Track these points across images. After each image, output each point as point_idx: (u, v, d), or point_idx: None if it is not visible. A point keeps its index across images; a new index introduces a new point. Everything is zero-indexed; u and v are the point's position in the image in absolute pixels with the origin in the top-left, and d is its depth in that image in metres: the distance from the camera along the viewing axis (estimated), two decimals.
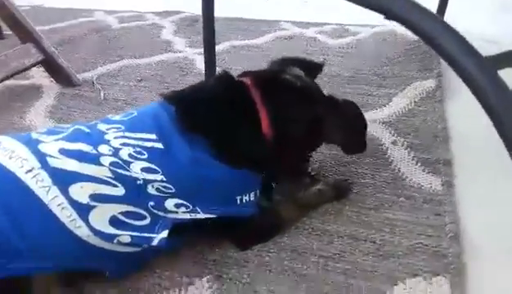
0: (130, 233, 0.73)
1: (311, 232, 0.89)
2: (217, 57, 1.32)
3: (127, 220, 0.73)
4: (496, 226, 0.89)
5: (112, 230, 0.71)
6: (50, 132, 0.77)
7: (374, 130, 1.21)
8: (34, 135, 0.75)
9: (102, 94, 1.45)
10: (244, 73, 0.91)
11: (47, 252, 0.68)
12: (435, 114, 1.26)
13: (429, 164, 1.06)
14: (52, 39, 1.73)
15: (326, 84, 1.41)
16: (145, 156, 0.75)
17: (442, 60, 1.50)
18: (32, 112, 1.37)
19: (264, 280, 0.79)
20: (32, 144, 0.72)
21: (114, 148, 0.74)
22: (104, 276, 0.77)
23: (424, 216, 0.91)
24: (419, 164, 1.07)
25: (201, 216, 0.78)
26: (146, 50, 1.78)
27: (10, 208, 0.66)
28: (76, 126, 0.78)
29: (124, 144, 0.75)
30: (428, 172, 1.04)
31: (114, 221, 0.72)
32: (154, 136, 0.77)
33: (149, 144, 0.76)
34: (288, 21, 2.02)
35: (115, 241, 0.72)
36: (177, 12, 2.18)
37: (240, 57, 1.68)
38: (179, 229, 0.77)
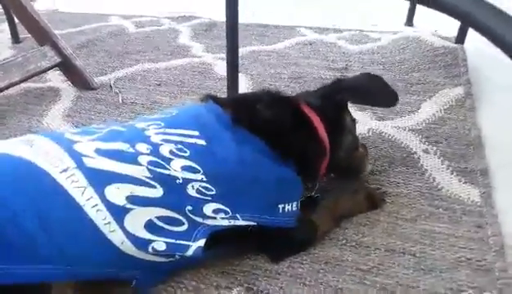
0: (166, 239, 0.68)
1: (345, 243, 0.84)
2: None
3: (164, 225, 0.68)
4: None
5: (147, 236, 0.67)
6: (84, 132, 0.73)
7: (404, 137, 1.16)
8: (68, 135, 0.72)
9: (120, 97, 1.42)
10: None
11: (77, 258, 0.64)
12: (467, 122, 1.21)
13: (466, 174, 1.01)
14: (69, 43, 1.70)
15: None
16: (187, 153, 0.70)
17: (469, 68, 1.47)
18: (49, 115, 1.34)
19: (298, 293, 0.75)
20: (66, 144, 0.69)
21: (153, 144, 0.70)
22: (129, 285, 0.73)
23: (464, 229, 0.86)
24: (454, 174, 1.02)
25: (240, 222, 0.73)
26: (164, 54, 1.75)
27: (42, 211, 0.62)
28: (111, 127, 0.75)
29: (165, 141, 0.71)
30: (465, 182, 0.99)
31: (150, 226, 0.67)
32: (196, 133, 0.73)
33: (191, 141, 0.72)
34: (307, 27, 1.99)
35: (150, 248, 0.67)
36: (194, 17, 2.16)
37: (258, 62, 1.65)
38: (216, 238, 0.73)
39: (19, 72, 1.35)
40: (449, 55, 1.53)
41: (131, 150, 0.68)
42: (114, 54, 1.77)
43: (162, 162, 0.68)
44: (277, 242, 0.81)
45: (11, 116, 1.34)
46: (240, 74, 1.53)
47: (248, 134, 0.74)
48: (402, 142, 1.14)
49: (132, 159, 0.68)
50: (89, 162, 0.66)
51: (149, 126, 0.73)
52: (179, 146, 0.70)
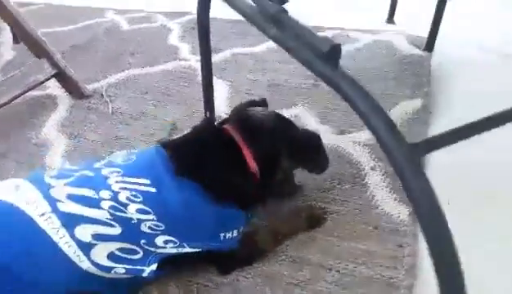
0: (125, 266, 0.86)
1: (284, 259, 1.01)
2: (217, 66, 1.45)
3: (122, 254, 0.86)
4: None
5: (110, 263, 0.85)
6: (60, 176, 0.90)
7: (357, 153, 1.30)
8: (47, 179, 0.89)
9: (110, 108, 1.57)
10: (223, 121, 1.04)
11: (58, 280, 0.83)
12: (419, 137, 1.33)
13: (401, 192, 1.15)
14: (65, 42, 1.86)
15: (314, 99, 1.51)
16: (140, 199, 0.87)
17: (434, 77, 1.58)
18: (46, 126, 1.51)
19: None
20: (44, 189, 0.86)
21: (113, 192, 0.87)
22: None
23: (387, 247, 1.01)
24: (392, 192, 1.16)
25: (187, 249, 0.91)
26: (154, 56, 1.88)
27: (30, 249, 0.80)
28: (82, 172, 0.91)
29: (122, 189, 0.87)
30: (400, 201, 1.13)
31: (111, 256, 0.85)
32: (148, 181, 0.89)
33: (144, 189, 0.88)
34: None
35: (112, 272, 0.86)
36: (185, 13, 2.25)
37: (238, 66, 1.77)
38: (168, 260, 0.91)
39: (18, 85, 1.52)
40: (415, 65, 1.63)
41: (95, 196, 0.86)
42: (108, 56, 1.91)
43: (120, 207, 0.85)
44: (223, 259, 0.98)
45: (12, 128, 1.51)
46: (220, 81, 1.67)
47: (188, 182, 0.90)
48: (355, 158, 1.28)
49: (96, 204, 0.85)
50: (62, 207, 0.83)
51: (111, 173, 0.90)
52: (133, 193, 0.87)
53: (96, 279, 0.86)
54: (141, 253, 0.87)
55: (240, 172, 0.96)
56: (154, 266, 0.88)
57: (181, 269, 0.98)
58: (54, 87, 1.71)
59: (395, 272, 0.96)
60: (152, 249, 0.88)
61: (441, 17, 1.64)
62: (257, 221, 1.07)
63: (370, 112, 0.58)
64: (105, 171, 0.91)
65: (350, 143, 1.34)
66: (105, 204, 0.85)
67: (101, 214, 0.84)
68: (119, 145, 1.38)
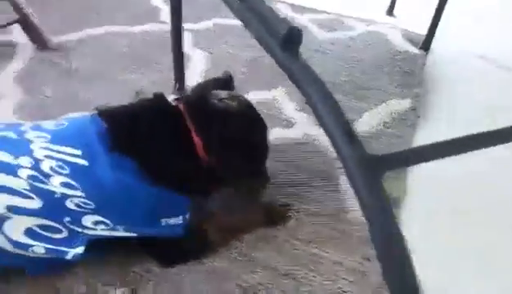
0: (45, 245, 0.74)
1: (236, 257, 0.90)
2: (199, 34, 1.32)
3: (42, 232, 0.74)
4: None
5: (27, 240, 0.73)
6: None
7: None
8: None
9: (74, 65, 1.42)
10: (177, 99, 0.90)
11: None
12: (403, 140, 1.23)
13: None
14: None
15: None
16: (67, 171, 0.75)
17: (425, 79, 1.47)
18: (1, 76, 1.36)
19: None
20: None
21: (36, 159, 0.74)
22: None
23: (353, 259, 0.91)
24: None
25: (121, 234, 0.79)
26: (133, 15, 1.72)
27: None
28: (5, 133, 0.78)
29: (48, 157, 0.75)
30: None
31: (29, 232, 0.73)
32: (79, 152, 0.77)
33: (72, 160, 0.76)
34: (283, 2, 1.93)
35: (30, 250, 0.74)
36: None
37: (220, 39, 1.63)
38: (99, 243, 0.79)
39: None
40: (408, 63, 1.52)
41: (14, 162, 0.73)
42: (83, 9, 1.75)
43: (41, 177, 0.73)
44: (166, 248, 0.87)
45: None
46: (199, 51, 1.54)
47: (124, 159, 0.78)
48: (333, 154, 1.17)
49: (12, 171, 0.72)
50: None
51: (37, 137, 0.77)
52: (60, 163, 0.75)
53: (14, 255, 0.74)
54: (66, 232, 0.76)
55: (185, 154, 0.84)
56: (80, 249, 0.76)
57: (117, 253, 0.86)
58: (18, 35, 1.55)
59: (359, 289, 0.86)
60: (79, 229, 0.76)
61: (440, 16, 1.53)
62: (212, 211, 0.95)
63: (327, 114, 0.47)
64: (29, 135, 0.78)
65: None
66: (24, 173, 0.73)
67: (18, 183, 0.72)
68: (76, 106, 1.24)
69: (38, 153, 0.75)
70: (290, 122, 1.27)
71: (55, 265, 0.82)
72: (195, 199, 0.86)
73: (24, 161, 0.73)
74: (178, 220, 0.83)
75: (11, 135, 0.77)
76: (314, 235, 0.96)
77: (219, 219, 0.93)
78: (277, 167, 1.10)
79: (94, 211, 0.76)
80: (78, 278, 0.83)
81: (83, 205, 0.75)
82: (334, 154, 1.13)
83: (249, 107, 0.91)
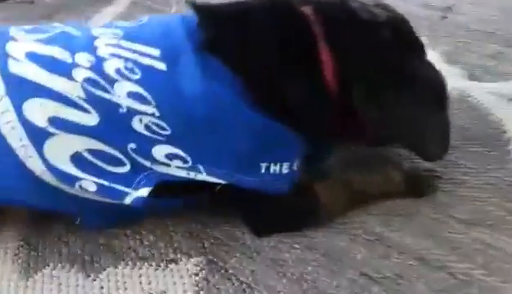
0: (97, 180, 0.53)
1: (359, 234, 0.61)
2: None
3: (96, 161, 0.53)
4: None
5: (73, 171, 0.53)
6: (34, 30, 0.59)
7: (498, 109, 0.85)
8: (12, 32, 0.58)
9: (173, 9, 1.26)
10: (304, 2, 0.61)
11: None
12: None
13: None
14: None
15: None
16: (138, 76, 0.53)
17: None
18: (95, 19, 1.23)
19: (268, 286, 0.56)
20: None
21: (98, 57, 0.54)
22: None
23: None
24: None
25: (203, 177, 0.55)
26: None
27: None
28: (65, 29, 0.59)
29: (114, 55, 0.54)
30: None
31: (77, 159, 0.53)
32: (157, 52, 0.54)
33: (147, 62, 0.54)
34: None
35: (77, 186, 0.53)
36: None
37: None
38: (172, 189, 0.57)
39: None
40: None
41: (68, 60, 0.53)
42: None
43: (103, 82, 0.52)
44: (263, 212, 0.61)
45: None
46: None
47: (221, 66, 0.54)
48: (494, 114, 0.84)
49: (65, 71, 0.52)
50: (14, 67, 0.52)
51: (104, 33, 0.56)
52: (130, 65, 0.53)
53: (57, 194, 0.55)
54: (128, 166, 0.54)
55: (307, 76, 0.57)
56: (143, 191, 0.54)
57: (194, 211, 0.63)
58: None
59: None
60: (146, 163, 0.54)
61: None
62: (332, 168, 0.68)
63: None
64: (96, 32, 0.58)
65: (486, 93, 0.89)
66: (80, 74, 0.52)
67: (71, 87, 0.52)
68: None
69: (103, 51, 0.54)
70: None
71: (113, 218, 0.61)
72: (311, 144, 0.60)
73: (83, 59, 0.53)
74: (284, 168, 0.57)
75: (73, 31, 0.58)
76: (477, 215, 0.64)
77: (341, 180, 0.66)
78: None
79: (169, 140, 0.53)
80: (141, 237, 0.62)
81: (154, 128, 0.53)
82: (498, 115, 0.83)
83: (404, 22, 0.63)
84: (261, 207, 0.61)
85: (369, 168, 0.68)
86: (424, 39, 0.99)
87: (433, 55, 0.99)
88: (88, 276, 0.57)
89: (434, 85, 0.62)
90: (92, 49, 0.54)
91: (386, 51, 0.59)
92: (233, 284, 0.56)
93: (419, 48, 0.64)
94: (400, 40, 0.61)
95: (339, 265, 0.58)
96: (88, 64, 0.53)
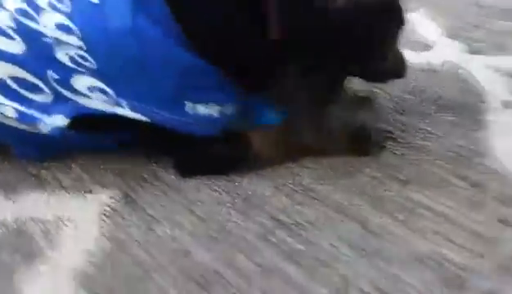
0: (17, 106, 0.56)
1: (286, 185, 0.58)
2: None
3: (18, 88, 0.55)
4: None
5: None
6: None
7: (487, 81, 0.78)
8: None
9: None
10: None
11: None
12: None
13: None
14: None
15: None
16: (69, 9, 0.55)
17: None
18: None
19: (174, 221, 0.55)
20: None
21: None
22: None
23: (476, 218, 0.52)
24: None
25: (126, 112, 0.55)
26: None
27: None
28: None
29: None
30: None
31: (1, 86, 0.55)
32: None
33: None
34: None
35: None
36: None
37: None
38: (97, 124, 0.58)
39: None
40: None
41: None
42: None
43: (32, 13, 0.54)
44: (190, 154, 0.61)
45: None
46: None
47: (159, 5, 0.52)
48: (482, 87, 0.76)
49: None
50: None
51: None
52: None
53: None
54: (49, 95, 0.56)
55: (248, 26, 0.54)
56: (60, 120, 0.55)
57: (124, 151, 0.64)
58: None
59: (471, 260, 0.47)
60: (67, 94, 0.55)
61: None
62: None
63: None
64: None
65: (482, 67, 0.82)
66: (13, 5, 0.55)
67: (2, 17, 0.54)
68: None
69: None
70: (428, 45, 0.90)
71: (48, 151, 0.64)
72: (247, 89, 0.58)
73: None
74: (214, 110, 0.56)
75: None
76: (422, 178, 0.59)
77: (280, 129, 0.62)
78: (394, 93, 0.76)
79: (93, 73, 0.54)
80: (66, 169, 0.64)
81: (79, 60, 0.53)
82: (487, 88, 0.76)
83: None
84: (188, 148, 0.60)
85: (316, 123, 0.64)
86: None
87: (431, 27, 0.95)
88: (9, 199, 0.60)
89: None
90: None
91: None
92: (139, 216, 0.55)
93: None
94: None
95: (254, 210, 0.56)
96: None
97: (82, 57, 0.54)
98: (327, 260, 0.48)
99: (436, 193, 0.56)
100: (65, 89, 0.55)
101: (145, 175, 0.62)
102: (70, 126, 0.56)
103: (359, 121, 0.68)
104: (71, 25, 0.54)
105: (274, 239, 0.51)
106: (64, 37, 0.53)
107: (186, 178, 0.61)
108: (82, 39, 0.53)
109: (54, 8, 0.55)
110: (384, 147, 0.64)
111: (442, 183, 0.58)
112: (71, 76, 0.54)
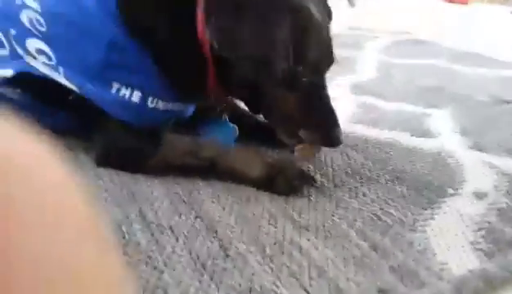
0: None
1: (175, 190, 0.57)
2: None
3: None
4: None
5: None
6: None
7: (471, 171, 0.68)
8: None
9: None
10: None
11: None
12: None
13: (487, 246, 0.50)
14: None
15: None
16: None
17: None
18: None
19: None
20: None
21: None
22: None
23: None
24: (473, 243, 0.52)
25: (60, 79, 0.60)
26: None
27: None
28: None
29: None
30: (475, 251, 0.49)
31: None
32: None
33: None
34: None
35: None
36: None
37: None
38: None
39: None
40: None
41: None
42: None
43: None
44: (106, 142, 0.63)
45: None
46: None
47: None
48: (463, 176, 0.66)
49: None
50: None
51: None
52: None
53: None
54: (7, 50, 0.63)
55: (181, 27, 0.59)
56: (7, 72, 0.61)
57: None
58: None
59: None
60: (20, 52, 0.62)
61: None
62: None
63: None
64: None
65: (478, 161, 0.72)
66: None
67: None
68: None
69: None
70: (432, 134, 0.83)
71: None
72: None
73: None
74: (134, 95, 0.59)
75: None
76: (315, 224, 0.52)
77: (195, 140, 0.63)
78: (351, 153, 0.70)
79: (43, 36, 0.60)
80: None
81: (35, 23, 0.61)
82: (465, 176, 0.66)
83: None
84: (106, 135, 0.62)
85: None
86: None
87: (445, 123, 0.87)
88: None
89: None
90: None
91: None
92: None
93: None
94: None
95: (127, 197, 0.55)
96: None
97: (37, 21, 0.60)
98: None
99: (325, 243, 0.49)
100: (20, 47, 0.62)
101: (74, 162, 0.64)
102: (17, 82, 0.62)
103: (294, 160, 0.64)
104: None
105: None
106: (28, 1, 0.61)
107: (99, 166, 0.62)
108: (39, 4, 0.61)
109: None
110: (300, 191, 0.58)
111: (339, 236, 0.50)
112: (27, 36, 0.61)
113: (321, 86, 0.60)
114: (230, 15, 0.55)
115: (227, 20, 0.55)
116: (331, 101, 0.60)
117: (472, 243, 0.50)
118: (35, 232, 0.13)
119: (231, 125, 0.69)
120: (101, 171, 0.61)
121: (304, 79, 0.58)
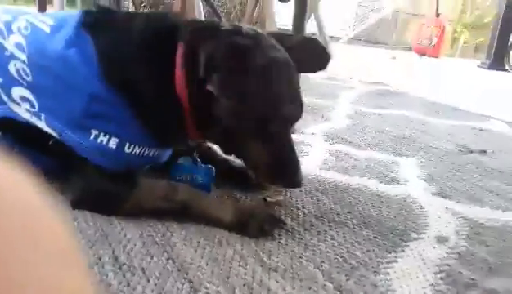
0: None
1: (148, 232, 0.58)
2: None
3: None
4: None
5: None
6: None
7: (434, 217, 0.71)
8: None
9: None
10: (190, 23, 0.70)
11: None
12: None
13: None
14: None
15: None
16: (27, 32, 0.67)
17: None
18: None
19: None
20: None
21: (14, 18, 0.69)
22: None
23: None
24: (434, 285, 0.55)
25: (41, 124, 0.63)
26: None
27: None
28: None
29: (24, 20, 0.69)
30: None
31: None
32: (51, 22, 0.68)
33: (40, 25, 0.68)
34: None
35: None
36: None
37: None
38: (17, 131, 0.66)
39: None
40: None
41: None
42: None
43: (5, 32, 0.67)
44: (83, 182, 0.64)
45: None
46: None
47: (85, 40, 0.64)
48: (426, 222, 0.70)
49: None
50: None
51: (35, 16, 0.72)
52: (27, 25, 0.67)
53: None
54: None
55: (159, 76, 0.64)
56: None
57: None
58: None
59: None
60: (5, 98, 0.64)
61: None
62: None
63: None
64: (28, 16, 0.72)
65: (441, 208, 0.76)
66: None
67: None
68: None
69: (21, 18, 0.69)
70: (399, 182, 0.86)
71: None
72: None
73: (4, 17, 0.70)
74: (111, 142, 0.62)
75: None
76: (285, 266, 0.53)
77: (168, 183, 0.65)
78: (323, 200, 0.73)
79: (27, 85, 0.64)
80: None
81: (21, 72, 0.64)
82: (429, 221, 0.70)
83: (272, 47, 0.65)
84: (82, 178, 0.64)
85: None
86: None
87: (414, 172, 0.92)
88: None
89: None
90: (15, 18, 0.69)
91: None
92: None
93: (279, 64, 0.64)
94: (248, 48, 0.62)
95: (100, 239, 0.56)
96: (4, 21, 0.68)
97: (24, 70, 0.64)
98: None
99: (293, 284, 0.51)
100: (5, 94, 0.65)
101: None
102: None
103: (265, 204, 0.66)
104: (24, 45, 0.66)
105: None
106: (17, 52, 0.65)
107: (75, 208, 0.63)
108: (27, 56, 0.64)
109: (19, 31, 0.67)
110: (271, 232, 0.60)
111: (306, 278, 0.52)
112: (13, 85, 0.64)
113: (287, 135, 0.65)
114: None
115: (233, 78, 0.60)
116: (303, 148, 0.64)
117: (432, 285, 0.53)
118: (12, 252, 0.15)
119: (209, 166, 0.72)
120: (76, 212, 0.62)
121: (273, 130, 0.62)
